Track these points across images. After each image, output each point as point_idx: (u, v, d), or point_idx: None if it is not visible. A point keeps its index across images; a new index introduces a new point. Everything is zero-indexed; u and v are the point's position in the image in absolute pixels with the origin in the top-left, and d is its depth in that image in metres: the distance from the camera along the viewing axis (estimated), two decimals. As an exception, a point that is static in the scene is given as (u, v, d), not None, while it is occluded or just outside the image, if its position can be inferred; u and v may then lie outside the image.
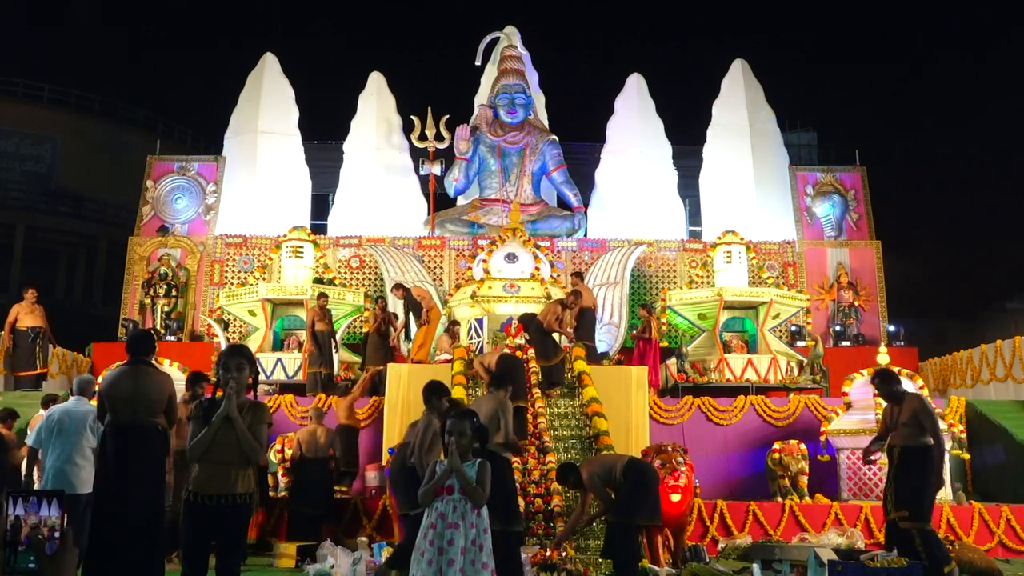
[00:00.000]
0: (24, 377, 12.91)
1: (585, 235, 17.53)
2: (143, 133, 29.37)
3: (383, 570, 6.78)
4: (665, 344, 14.79)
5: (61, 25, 38.77)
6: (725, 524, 9.70)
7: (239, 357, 4.60)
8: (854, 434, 10.78)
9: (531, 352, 10.59)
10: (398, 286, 13.61)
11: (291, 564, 8.35)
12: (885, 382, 7.23)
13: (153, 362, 5.76)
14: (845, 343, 15.78)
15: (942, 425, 10.46)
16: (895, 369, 11.29)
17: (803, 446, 10.77)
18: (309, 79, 20.96)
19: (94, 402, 6.68)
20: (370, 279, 16.65)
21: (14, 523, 4.21)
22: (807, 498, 10.27)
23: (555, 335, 10.83)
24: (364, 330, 13.47)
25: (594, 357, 11.98)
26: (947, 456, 10.35)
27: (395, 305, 15.05)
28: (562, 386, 10.43)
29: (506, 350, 10.42)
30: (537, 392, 10.02)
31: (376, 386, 11.98)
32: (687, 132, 19.05)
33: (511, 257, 14.04)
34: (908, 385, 10.93)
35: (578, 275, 13.78)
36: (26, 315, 12.95)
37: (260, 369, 12.51)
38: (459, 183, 17.89)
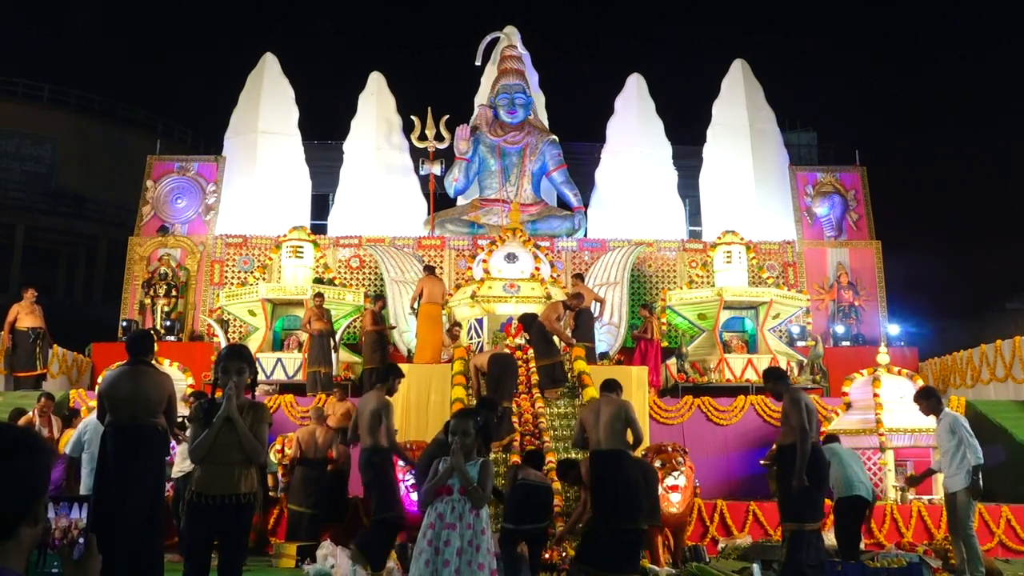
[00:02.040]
0: (24, 378, 12.90)
1: (585, 235, 17.53)
2: (143, 133, 29.36)
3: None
4: (665, 344, 14.79)
5: (61, 25, 38.80)
6: (725, 524, 9.70)
7: (238, 360, 4.59)
8: (854, 434, 10.78)
9: (531, 352, 10.58)
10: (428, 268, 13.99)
11: (291, 564, 8.36)
12: (767, 379, 6.96)
13: (153, 362, 5.76)
14: (845, 343, 15.78)
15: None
16: (895, 370, 11.33)
17: (803, 446, 10.74)
18: (309, 79, 20.95)
19: None
20: (370, 279, 16.65)
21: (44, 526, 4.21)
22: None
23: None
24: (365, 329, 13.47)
25: (593, 358, 11.98)
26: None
27: (395, 302, 15.08)
28: (564, 384, 10.37)
29: (506, 350, 10.41)
30: (537, 392, 10.02)
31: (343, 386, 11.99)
32: (687, 132, 19.07)
33: (511, 257, 14.04)
34: (908, 385, 10.97)
35: (579, 276, 13.76)
36: (26, 315, 12.93)
37: (260, 369, 12.53)
38: (459, 183, 17.89)
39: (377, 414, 7.07)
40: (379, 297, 14.00)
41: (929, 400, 7.53)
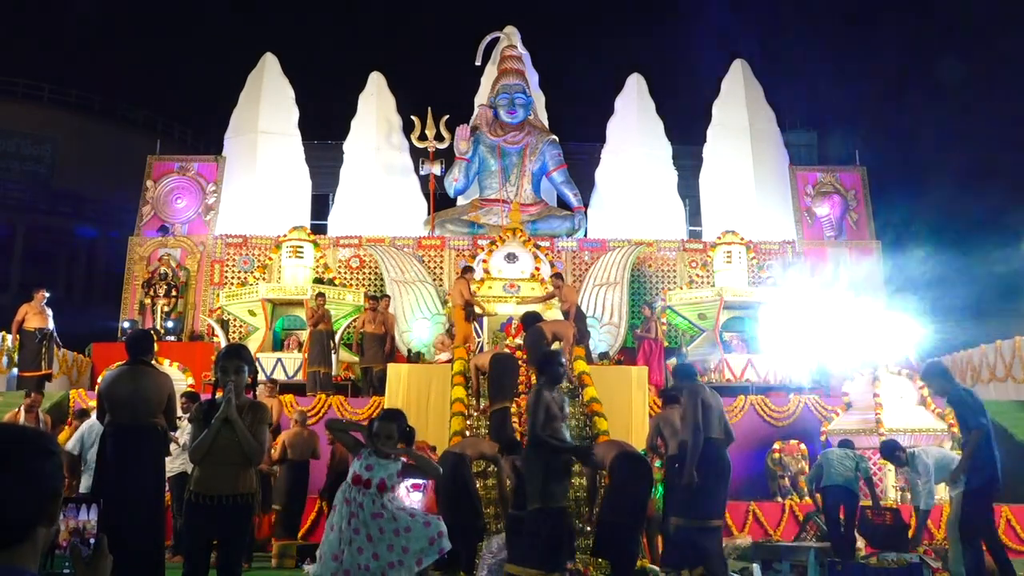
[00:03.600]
0: (28, 378, 12.88)
1: (585, 235, 17.53)
2: (143, 133, 29.30)
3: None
4: (665, 344, 14.78)
5: (61, 25, 38.77)
6: (725, 524, 9.68)
7: (237, 359, 4.59)
8: (854, 434, 10.76)
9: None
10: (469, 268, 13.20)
11: (291, 564, 8.37)
12: (673, 376, 7.04)
13: (153, 362, 5.76)
14: (845, 343, 15.76)
15: (942, 425, 10.48)
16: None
17: (803, 446, 10.77)
18: (309, 79, 20.93)
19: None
20: (370, 279, 16.65)
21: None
22: (807, 498, 10.26)
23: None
24: (365, 330, 13.40)
25: (590, 358, 11.93)
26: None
27: (395, 302, 15.06)
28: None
29: (506, 350, 10.39)
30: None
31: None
32: (687, 132, 19.07)
33: (511, 257, 14.05)
34: (907, 385, 10.98)
35: (558, 276, 13.41)
36: (34, 315, 12.89)
37: (260, 369, 12.53)
38: (459, 183, 17.90)
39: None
40: (383, 296, 13.95)
41: (899, 452, 7.93)
